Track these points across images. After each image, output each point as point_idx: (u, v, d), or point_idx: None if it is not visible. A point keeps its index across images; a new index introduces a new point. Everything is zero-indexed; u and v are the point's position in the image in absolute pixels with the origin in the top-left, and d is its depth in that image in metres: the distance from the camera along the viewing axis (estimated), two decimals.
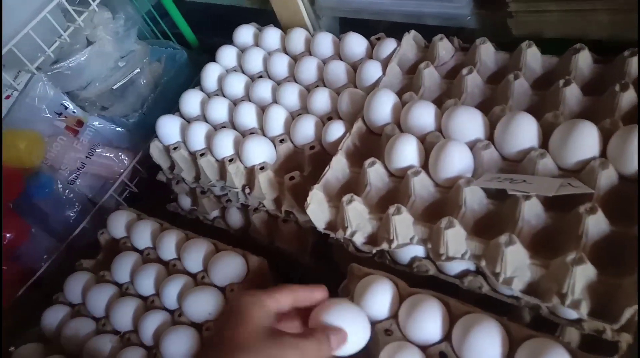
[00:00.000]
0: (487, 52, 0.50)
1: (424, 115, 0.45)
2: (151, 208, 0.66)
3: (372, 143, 0.49)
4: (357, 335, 0.35)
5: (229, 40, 0.70)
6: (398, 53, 0.55)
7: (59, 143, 0.70)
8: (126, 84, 0.72)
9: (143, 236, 0.59)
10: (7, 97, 0.69)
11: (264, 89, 0.59)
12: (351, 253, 0.46)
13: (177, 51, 0.80)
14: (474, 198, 0.40)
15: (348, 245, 0.46)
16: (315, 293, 0.37)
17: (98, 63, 0.70)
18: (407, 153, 0.43)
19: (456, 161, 0.41)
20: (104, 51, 0.70)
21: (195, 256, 0.54)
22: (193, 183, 0.60)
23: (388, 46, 0.56)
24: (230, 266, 0.52)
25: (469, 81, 0.48)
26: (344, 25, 0.71)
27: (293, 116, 0.56)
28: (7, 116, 0.69)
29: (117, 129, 0.75)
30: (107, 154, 0.73)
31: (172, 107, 0.78)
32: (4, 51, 0.57)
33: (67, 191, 0.68)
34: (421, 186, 0.42)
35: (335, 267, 0.52)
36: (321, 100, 0.55)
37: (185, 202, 0.66)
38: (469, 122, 0.43)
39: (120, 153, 0.74)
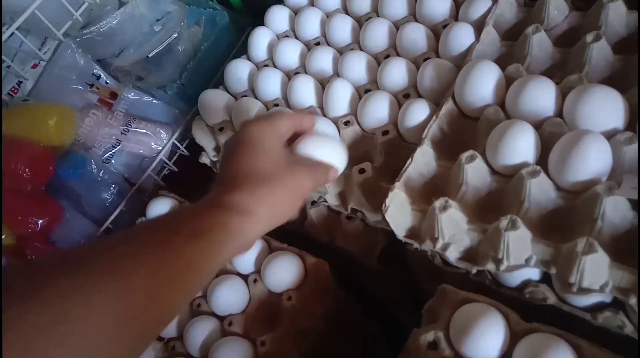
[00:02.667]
0: (616, 13, 0.39)
1: (540, 95, 0.35)
2: (192, 190, 0.59)
3: (466, 130, 0.40)
4: (341, 164, 0.36)
5: (278, 1, 0.61)
6: (494, 13, 0.44)
7: (92, 117, 0.63)
8: (163, 52, 0.64)
9: None
10: (34, 66, 0.62)
11: (323, 59, 0.50)
12: (437, 265, 0.38)
13: (217, 12, 0.70)
14: (615, 212, 0.30)
15: (435, 256, 0.37)
16: (309, 120, 0.36)
17: (131, 27, 0.62)
18: (520, 145, 0.34)
19: (592, 159, 0.31)
20: (138, 12, 0.61)
21: (246, 255, 0.47)
22: None
23: (480, 3, 0.45)
24: (287, 270, 0.44)
25: (595, 50, 0.37)
26: None
27: (360, 93, 0.47)
28: (34, 88, 0.62)
29: (154, 101, 0.68)
30: (144, 131, 0.66)
31: (213, 76, 0.70)
32: (26, 14, 0.49)
33: (102, 171, 0.62)
34: (539, 191, 0.33)
35: (410, 276, 0.44)
36: (396, 73, 0.45)
37: None
38: (604, 107, 0.33)
39: (158, 128, 0.67)
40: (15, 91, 0.63)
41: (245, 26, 0.72)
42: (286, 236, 0.48)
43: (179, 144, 0.67)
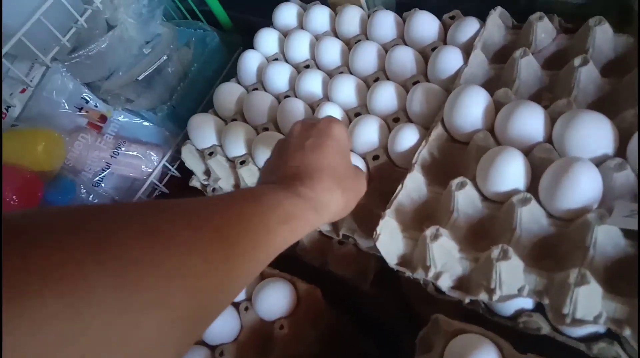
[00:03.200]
0: (603, 36, 0.39)
1: (529, 121, 0.35)
2: None
3: (456, 154, 0.39)
4: None
5: (267, 20, 0.61)
6: (482, 36, 0.44)
7: (81, 141, 0.63)
8: (152, 74, 0.64)
9: None
10: (23, 91, 0.61)
11: (312, 82, 0.49)
12: (430, 292, 0.37)
13: (207, 33, 0.70)
14: (607, 240, 0.30)
15: (428, 283, 0.37)
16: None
17: (120, 50, 0.62)
18: (510, 172, 0.34)
19: (582, 187, 0.31)
20: (127, 35, 0.61)
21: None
22: None
23: (468, 26, 0.45)
24: (278, 297, 0.44)
25: (583, 74, 0.37)
26: (401, 5, 0.60)
27: (350, 117, 0.47)
28: (22, 113, 0.61)
29: (144, 123, 0.67)
30: (134, 153, 0.65)
31: (204, 97, 0.70)
32: (13, 41, 0.49)
33: (91, 195, 0.61)
34: (531, 219, 0.32)
35: (404, 299, 0.44)
36: (385, 96, 0.45)
37: None
38: (593, 133, 0.33)
39: (148, 150, 0.66)
40: (4, 116, 0.63)
41: (236, 46, 0.72)
42: (277, 260, 0.48)
43: (169, 166, 0.67)
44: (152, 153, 0.67)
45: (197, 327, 0.22)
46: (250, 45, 0.69)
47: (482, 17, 0.46)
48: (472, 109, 0.38)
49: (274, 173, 0.33)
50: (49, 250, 0.17)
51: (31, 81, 0.58)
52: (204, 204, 0.26)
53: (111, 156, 0.64)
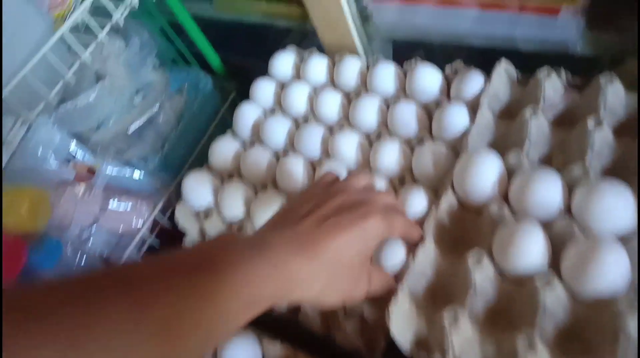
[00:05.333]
0: (615, 95, 0.38)
1: (547, 191, 0.33)
2: None
3: (468, 223, 0.37)
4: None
5: (260, 62, 0.59)
6: (488, 92, 0.42)
7: (68, 197, 0.60)
8: (144, 124, 0.61)
9: None
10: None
11: (312, 139, 0.47)
12: None
13: (200, 77, 0.68)
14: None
15: None
16: (418, 232, 0.37)
17: (110, 100, 0.59)
18: (530, 249, 0.32)
19: (610, 270, 0.29)
20: (117, 85, 0.59)
21: (233, 354, 0.43)
22: None
23: (472, 81, 0.44)
24: None
25: (597, 137, 0.36)
26: (398, 49, 0.59)
27: None
28: (6, 167, 0.58)
29: (135, 174, 0.64)
30: (124, 206, 0.63)
31: (197, 143, 0.68)
32: None
33: (78, 254, 0.58)
34: (556, 303, 0.30)
35: None
36: (390, 156, 0.43)
37: None
38: (616, 206, 0.31)
39: (138, 202, 0.64)
40: None
41: (229, 91, 0.70)
42: (278, 327, 0.45)
43: (161, 216, 0.64)
44: (142, 205, 0.64)
45: None
46: (243, 89, 0.67)
47: (483, 66, 0.45)
48: (484, 176, 0.36)
49: (277, 225, 0.30)
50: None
51: (15, 136, 0.55)
52: (157, 275, 0.23)
53: (100, 210, 0.61)
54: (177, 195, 0.66)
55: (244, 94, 0.72)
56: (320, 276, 0.28)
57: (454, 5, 0.47)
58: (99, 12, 0.54)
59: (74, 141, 0.61)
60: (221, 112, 0.69)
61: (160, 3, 0.61)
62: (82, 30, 0.55)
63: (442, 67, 0.48)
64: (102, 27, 0.54)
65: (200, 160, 0.68)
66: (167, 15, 0.64)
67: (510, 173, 0.37)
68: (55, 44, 0.49)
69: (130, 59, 0.59)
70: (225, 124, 0.71)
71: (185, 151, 0.67)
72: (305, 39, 0.64)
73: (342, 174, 0.40)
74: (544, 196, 0.33)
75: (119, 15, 0.53)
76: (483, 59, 0.48)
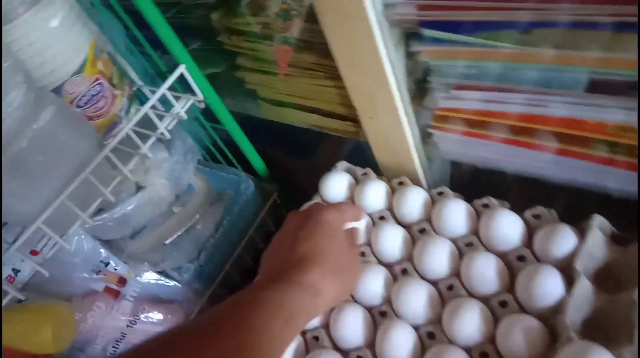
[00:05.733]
0: None
1: None
2: None
3: None
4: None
5: (301, 159, 0.55)
6: (582, 254, 0.37)
7: (95, 311, 0.55)
8: (182, 235, 0.57)
9: None
10: (34, 253, 0.55)
11: (373, 288, 0.42)
12: None
13: (241, 180, 0.65)
14: None
15: None
16: (362, 213, 0.44)
17: (148, 210, 0.56)
18: None
19: None
20: (157, 196, 0.55)
21: None
22: None
23: (562, 238, 0.38)
24: None
25: None
26: (458, 174, 0.54)
27: (422, 340, 0.39)
28: (32, 277, 0.54)
29: (168, 284, 0.60)
30: (154, 320, 0.58)
31: (235, 249, 0.63)
32: (29, 231, 0.42)
33: None
34: None
35: None
36: (468, 321, 0.37)
37: None
38: None
39: (169, 315, 0.59)
40: (12, 279, 0.56)
41: (270, 194, 0.66)
42: None
43: None
44: (174, 317, 0.59)
45: None
46: (284, 191, 0.63)
47: (569, 210, 0.40)
48: None
49: (273, 266, 0.35)
50: None
51: (45, 251, 0.51)
52: (210, 325, 0.28)
53: (127, 326, 0.57)
54: (210, 305, 0.62)
55: (285, 196, 0.68)
56: (328, 277, 0.33)
57: (526, 146, 0.42)
58: (144, 123, 0.52)
59: (106, 249, 0.57)
60: (261, 215, 0.65)
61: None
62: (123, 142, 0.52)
63: (508, 199, 0.43)
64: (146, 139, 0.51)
65: (236, 266, 0.64)
66: (211, 117, 0.62)
67: None
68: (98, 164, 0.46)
69: (173, 168, 0.56)
70: (264, 228, 0.67)
71: (222, 258, 0.62)
72: (356, 149, 0.60)
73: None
74: None
75: (163, 128, 0.50)
76: (566, 199, 0.43)
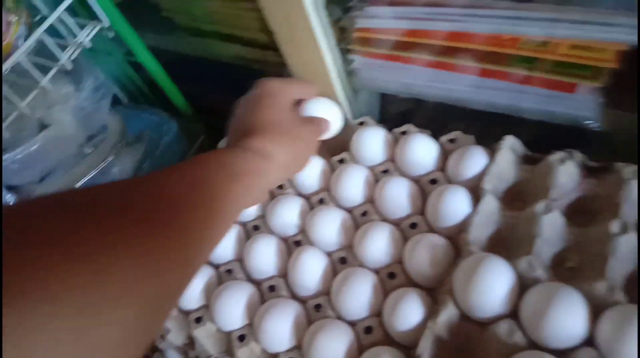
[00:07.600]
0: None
1: (569, 316, 0.28)
2: None
3: (471, 336, 0.31)
4: (335, 124, 0.42)
5: (231, 98, 0.52)
6: (492, 174, 0.37)
7: None
8: (95, 176, 0.54)
9: None
10: None
11: (288, 218, 0.41)
12: None
13: (163, 120, 0.61)
14: None
15: None
16: (313, 90, 0.43)
17: (56, 151, 0.52)
18: None
19: None
20: (65, 134, 0.51)
21: None
22: None
23: (473, 159, 0.38)
24: None
25: (622, 244, 0.30)
26: (386, 104, 0.53)
27: (334, 263, 0.38)
28: None
29: None
30: None
31: None
32: None
33: None
34: None
35: None
36: (377, 243, 0.37)
37: None
38: None
39: None
40: None
41: (197, 136, 0.63)
42: None
43: None
44: None
45: (159, 315, 0.22)
46: (214, 132, 0.60)
47: (484, 134, 0.40)
48: (491, 288, 0.30)
49: (231, 136, 0.36)
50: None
51: None
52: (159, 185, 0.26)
53: None
54: None
55: (215, 137, 0.65)
56: (277, 142, 0.33)
57: (448, 69, 0.41)
58: (45, 53, 0.47)
59: (11, 194, 0.52)
60: (188, 157, 0.62)
61: (116, 38, 0.53)
62: (22, 75, 0.47)
63: (433, 129, 0.43)
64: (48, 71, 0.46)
65: None
66: (126, 51, 0.57)
67: (521, 282, 0.31)
68: None
69: (82, 104, 0.51)
70: None
71: None
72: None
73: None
74: (566, 322, 0.28)
75: (65, 58, 0.46)
76: (483, 124, 0.43)
